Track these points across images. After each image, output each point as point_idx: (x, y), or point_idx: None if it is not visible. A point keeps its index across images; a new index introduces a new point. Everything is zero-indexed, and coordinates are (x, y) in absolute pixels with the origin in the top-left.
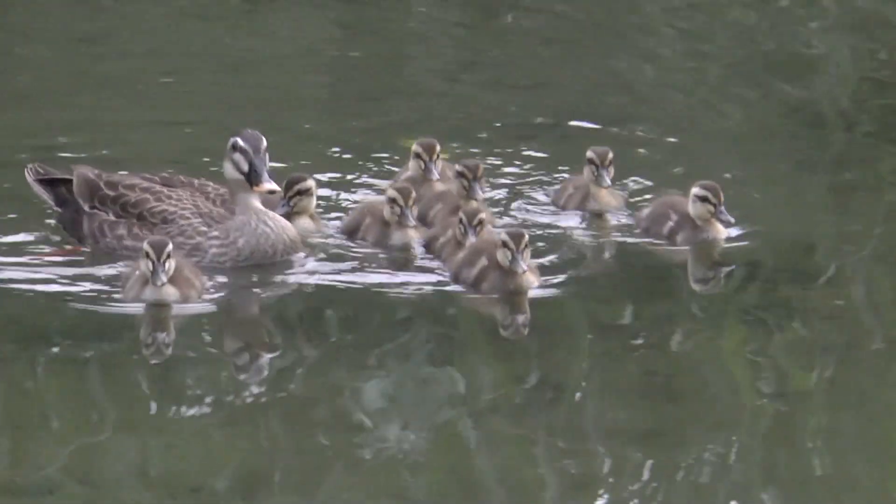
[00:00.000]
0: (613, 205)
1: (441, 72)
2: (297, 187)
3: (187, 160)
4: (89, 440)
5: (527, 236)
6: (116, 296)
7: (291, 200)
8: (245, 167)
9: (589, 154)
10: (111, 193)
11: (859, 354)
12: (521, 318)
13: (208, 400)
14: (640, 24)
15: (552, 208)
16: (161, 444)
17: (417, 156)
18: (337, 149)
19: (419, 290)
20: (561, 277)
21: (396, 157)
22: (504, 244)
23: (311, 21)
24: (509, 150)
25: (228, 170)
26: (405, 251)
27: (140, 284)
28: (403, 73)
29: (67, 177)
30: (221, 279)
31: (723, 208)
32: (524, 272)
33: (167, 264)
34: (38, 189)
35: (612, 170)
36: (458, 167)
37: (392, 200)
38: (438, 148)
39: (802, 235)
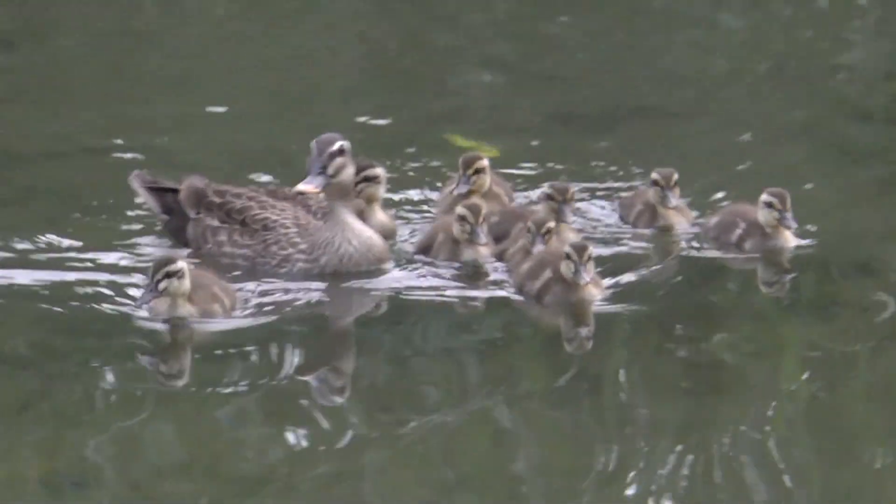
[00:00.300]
0: (682, 223)
1: (492, 65)
2: (364, 174)
3: (232, 154)
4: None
5: (591, 248)
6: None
7: (358, 186)
8: (309, 171)
9: (654, 175)
10: (217, 200)
11: None
12: (584, 331)
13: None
14: (685, 14)
15: (618, 222)
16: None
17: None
18: (387, 141)
19: (486, 302)
20: (626, 291)
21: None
22: (568, 256)
23: (359, 15)
24: (563, 145)
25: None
26: (476, 268)
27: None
28: (452, 67)
29: (174, 185)
30: (297, 287)
31: (788, 214)
32: (586, 284)
33: (162, 284)
34: (146, 196)
35: (677, 190)
36: (546, 189)
37: (462, 218)
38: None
39: (868, 237)
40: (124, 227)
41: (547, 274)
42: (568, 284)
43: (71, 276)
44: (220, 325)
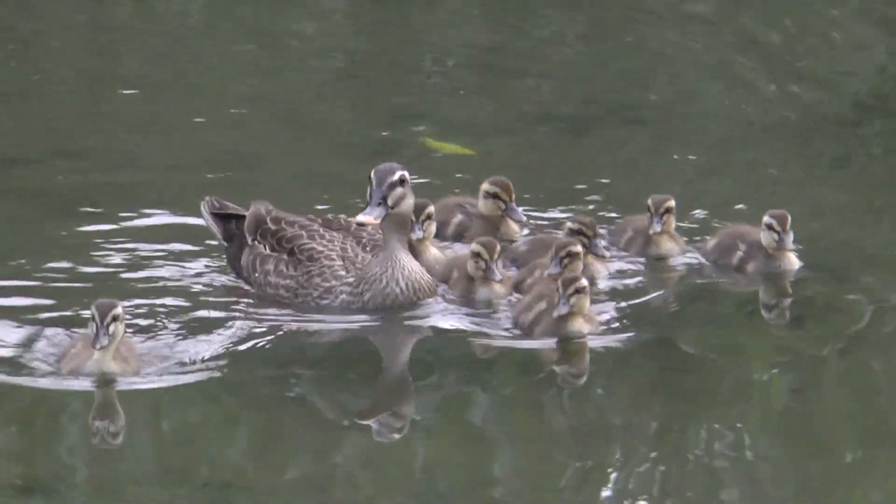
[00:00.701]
0: (675, 250)
1: (468, 66)
2: (426, 212)
3: (213, 161)
4: None
5: (582, 281)
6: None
7: (424, 224)
8: (367, 197)
9: (648, 202)
10: (272, 227)
11: None
12: (576, 368)
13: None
14: (658, 17)
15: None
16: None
17: (494, 196)
18: (360, 148)
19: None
20: (620, 324)
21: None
22: (476, 254)
23: (336, 17)
24: (540, 146)
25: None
26: (491, 307)
27: (82, 354)
28: (426, 68)
29: (241, 212)
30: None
31: (787, 236)
32: (560, 315)
33: (111, 327)
34: (211, 222)
35: (672, 217)
36: (570, 224)
37: (476, 255)
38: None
39: (851, 247)
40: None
41: (541, 306)
42: (558, 316)
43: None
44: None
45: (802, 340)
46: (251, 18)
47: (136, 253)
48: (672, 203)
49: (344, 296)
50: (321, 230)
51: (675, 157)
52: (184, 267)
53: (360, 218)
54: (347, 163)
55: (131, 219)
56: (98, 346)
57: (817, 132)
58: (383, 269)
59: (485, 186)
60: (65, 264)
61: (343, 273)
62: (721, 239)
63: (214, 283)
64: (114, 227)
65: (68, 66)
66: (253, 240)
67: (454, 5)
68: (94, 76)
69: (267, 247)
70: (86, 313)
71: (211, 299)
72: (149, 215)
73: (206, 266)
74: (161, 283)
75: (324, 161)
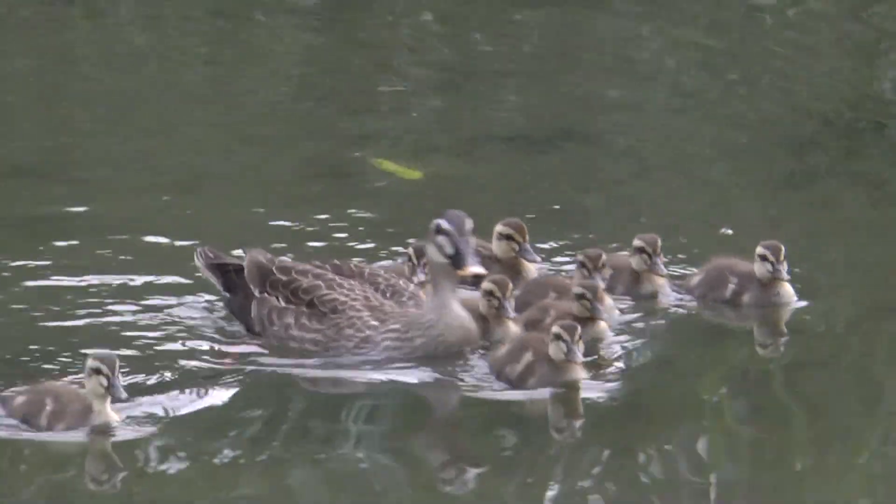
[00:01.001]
0: (665, 287)
1: (418, 87)
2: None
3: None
4: None
5: (579, 327)
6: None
7: (425, 267)
8: (450, 250)
9: (637, 242)
10: (283, 278)
11: None
12: (577, 421)
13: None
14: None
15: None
16: None
17: (508, 237)
18: (311, 169)
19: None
20: (613, 368)
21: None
22: (558, 336)
23: (292, 35)
24: (492, 167)
25: (432, 253)
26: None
27: (81, 410)
28: (379, 88)
29: (237, 262)
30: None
31: (780, 266)
32: (561, 363)
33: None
34: (208, 274)
35: (660, 258)
36: (579, 256)
37: (489, 293)
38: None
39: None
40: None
41: (528, 356)
42: (555, 365)
43: None
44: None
45: (816, 381)
46: (203, 42)
47: (102, 287)
48: (660, 242)
49: (388, 342)
50: (337, 278)
51: (629, 176)
52: (154, 300)
53: (476, 270)
54: (299, 184)
55: (97, 247)
56: (124, 398)
57: (771, 153)
58: (438, 316)
59: (498, 228)
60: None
61: (376, 323)
62: (708, 273)
63: (192, 320)
64: (74, 256)
65: (19, 92)
66: (262, 291)
67: (409, 26)
68: (46, 100)
69: (281, 299)
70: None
71: (197, 342)
72: (113, 242)
73: (174, 300)
74: (137, 320)
75: (275, 182)
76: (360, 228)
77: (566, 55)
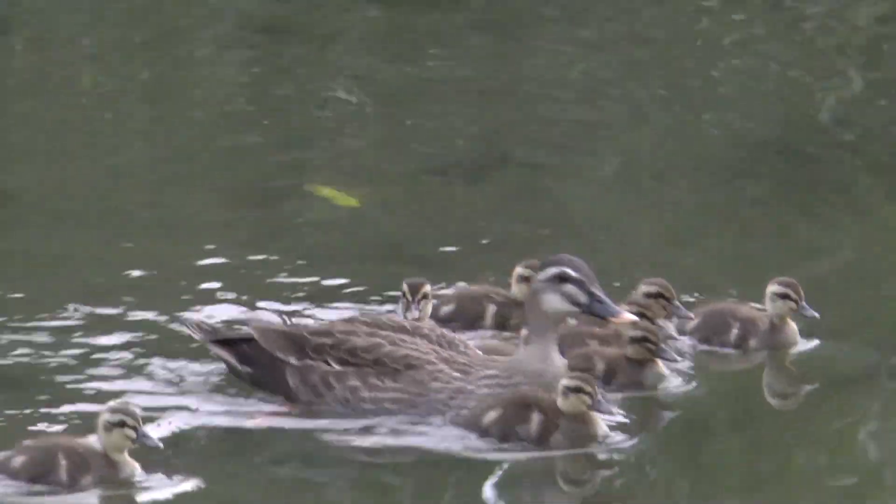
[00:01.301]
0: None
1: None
2: (422, 291)
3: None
4: None
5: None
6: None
7: (420, 303)
8: (583, 298)
9: (652, 289)
10: (327, 341)
11: None
12: (600, 474)
13: None
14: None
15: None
16: None
17: (529, 279)
18: (247, 196)
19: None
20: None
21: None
22: (578, 389)
23: (229, 60)
24: (430, 195)
25: (555, 302)
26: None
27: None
28: (316, 114)
29: (245, 334)
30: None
31: (805, 303)
32: (613, 413)
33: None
34: (220, 353)
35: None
36: (645, 287)
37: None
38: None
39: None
40: None
41: (536, 416)
42: (577, 420)
43: None
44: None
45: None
46: (138, 72)
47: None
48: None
49: (486, 389)
50: (392, 334)
51: (572, 202)
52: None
53: (629, 317)
54: (233, 213)
55: (20, 281)
56: (161, 446)
57: (719, 174)
58: (544, 365)
59: (519, 270)
60: None
61: (458, 374)
62: (706, 318)
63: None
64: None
65: None
66: (300, 358)
67: (345, 51)
68: None
69: (333, 362)
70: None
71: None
72: (41, 275)
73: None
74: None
75: (209, 212)
76: (300, 262)
77: (504, 80)
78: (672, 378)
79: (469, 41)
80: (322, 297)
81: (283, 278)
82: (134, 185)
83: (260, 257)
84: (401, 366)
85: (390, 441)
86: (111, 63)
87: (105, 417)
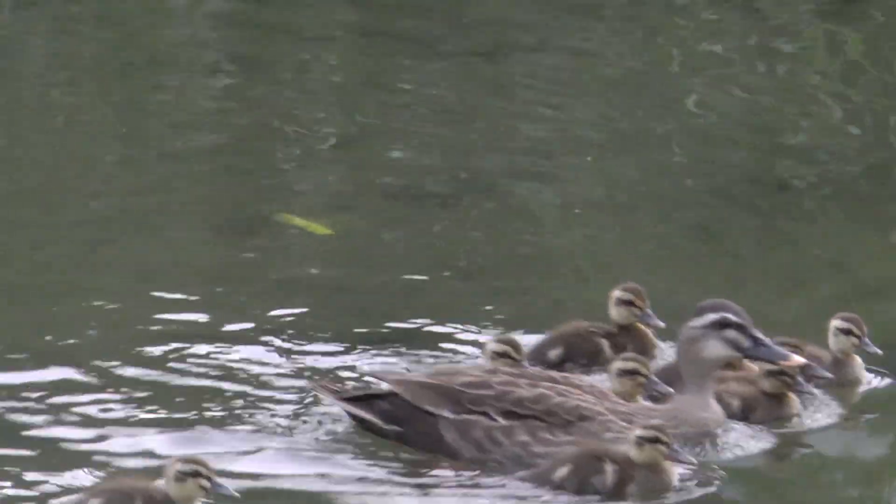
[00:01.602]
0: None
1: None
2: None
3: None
4: None
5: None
6: None
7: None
8: (746, 343)
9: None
10: (487, 392)
11: None
12: None
13: None
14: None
15: None
16: None
17: (628, 303)
18: (222, 226)
19: None
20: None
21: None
22: (655, 439)
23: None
24: (402, 222)
25: (717, 349)
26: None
27: None
28: (287, 143)
29: (381, 390)
30: None
31: (866, 338)
32: (692, 462)
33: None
34: (354, 411)
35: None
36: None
37: (631, 373)
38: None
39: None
40: None
41: (609, 467)
42: (651, 470)
43: None
44: None
45: None
46: (108, 100)
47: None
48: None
49: None
50: (555, 385)
51: (547, 228)
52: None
53: (798, 359)
54: (206, 243)
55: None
56: (237, 496)
57: (686, 203)
58: (707, 413)
59: (617, 294)
60: None
61: (625, 424)
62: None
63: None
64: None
65: None
66: (458, 412)
67: (313, 80)
68: None
69: (496, 414)
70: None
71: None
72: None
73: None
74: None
75: (181, 241)
76: (278, 291)
77: (478, 106)
78: (807, 412)
79: (441, 67)
80: (300, 325)
81: (258, 308)
82: (104, 216)
83: (233, 287)
84: (573, 417)
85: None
86: (82, 90)
87: (177, 468)
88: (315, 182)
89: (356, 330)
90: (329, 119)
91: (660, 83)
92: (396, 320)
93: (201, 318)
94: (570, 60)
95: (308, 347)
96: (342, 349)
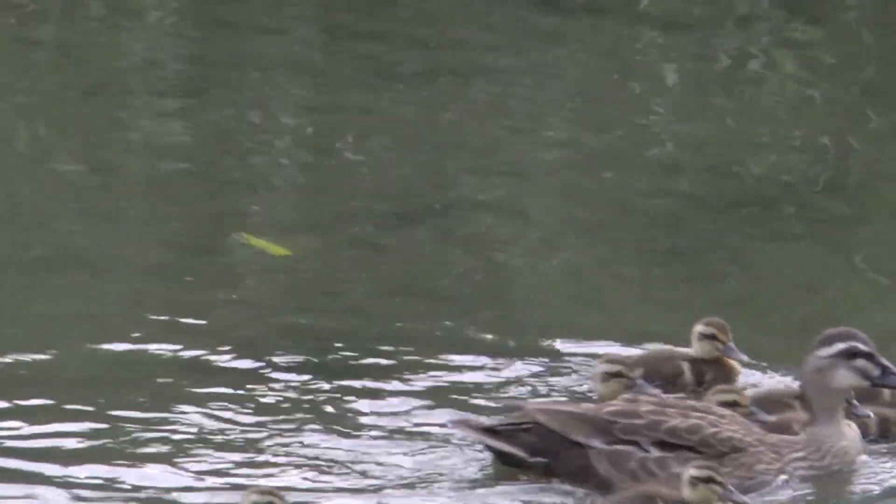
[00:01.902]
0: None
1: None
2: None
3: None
4: None
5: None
6: None
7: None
8: (875, 372)
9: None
10: (638, 422)
11: None
12: None
13: None
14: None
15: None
16: None
17: (712, 337)
18: (180, 246)
19: None
20: None
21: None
22: (710, 479)
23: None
24: (363, 243)
25: (847, 378)
26: None
27: None
28: (246, 163)
29: (519, 421)
30: None
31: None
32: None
33: None
34: (498, 445)
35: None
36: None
37: (731, 405)
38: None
39: None
40: None
41: None
42: None
43: None
44: None
45: None
46: (67, 121)
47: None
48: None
49: (802, 471)
50: (705, 415)
51: (509, 250)
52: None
53: None
54: (165, 265)
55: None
56: None
57: (653, 227)
58: (847, 442)
59: (700, 328)
60: None
61: (774, 455)
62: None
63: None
64: None
65: None
66: (609, 442)
67: (274, 99)
68: None
69: (650, 446)
70: None
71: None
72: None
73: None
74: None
75: (140, 264)
76: (238, 312)
77: (440, 127)
78: None
79: (404, 89)
80: (263, 346)
81: (219, 329)
82: (62, 236)
83: (194, 308)
84: (727, 448)
85: None
86: (43, 113)
87: (253, 499)
88: (273, 203)
89: (311, 359)
90: (289, 141)
91: (622, 107)
92: (354, 344)
93: (161, 334)
94: (534, 82)
95: (266, 372)
96: (300, 374)
